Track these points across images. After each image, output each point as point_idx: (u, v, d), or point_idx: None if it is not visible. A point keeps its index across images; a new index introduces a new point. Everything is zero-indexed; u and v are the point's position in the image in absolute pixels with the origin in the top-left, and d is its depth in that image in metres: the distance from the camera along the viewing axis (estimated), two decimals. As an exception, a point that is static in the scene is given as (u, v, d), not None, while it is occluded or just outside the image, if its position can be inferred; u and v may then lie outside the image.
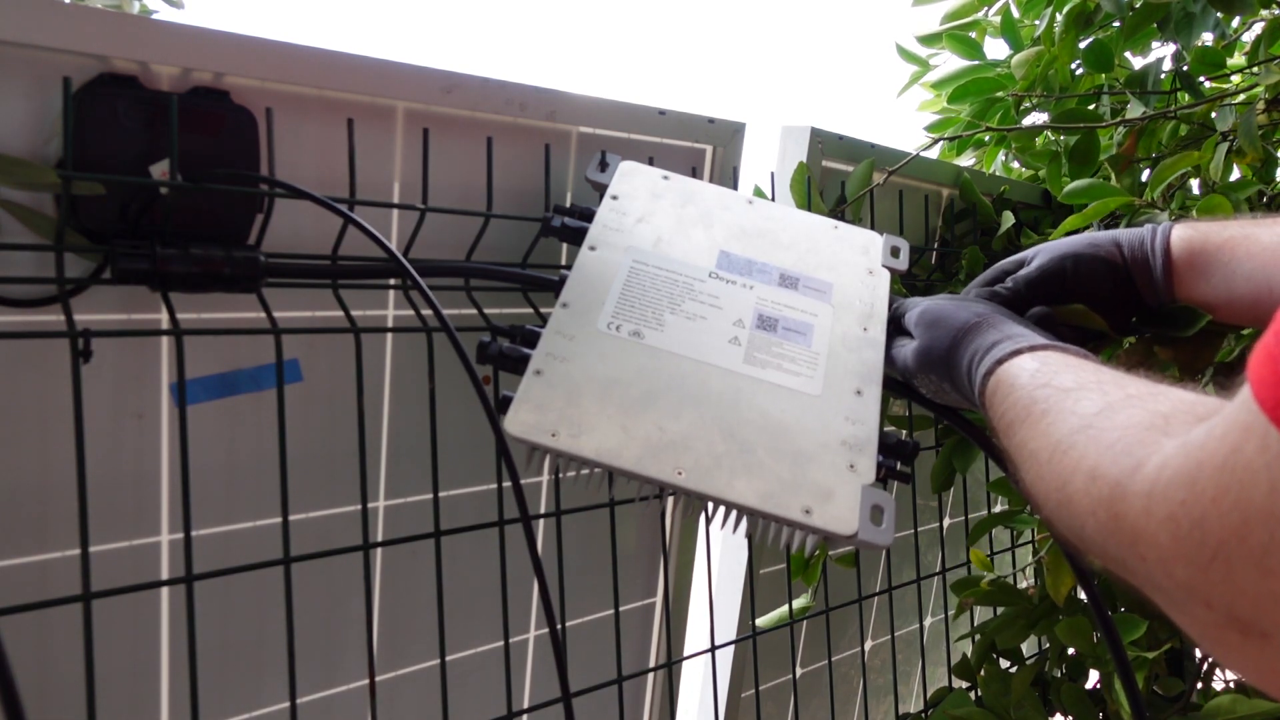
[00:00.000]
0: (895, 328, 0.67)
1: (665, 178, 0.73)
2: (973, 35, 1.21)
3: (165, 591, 0.66)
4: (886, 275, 0.70)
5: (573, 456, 0.54)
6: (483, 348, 0.58)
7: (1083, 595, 0.95)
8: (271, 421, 0.63)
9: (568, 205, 0.74)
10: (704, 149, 0.87)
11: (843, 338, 0.64)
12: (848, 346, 0.64)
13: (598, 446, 0.54)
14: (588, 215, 0.69)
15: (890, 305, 0.68)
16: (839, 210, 0.94)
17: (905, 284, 1.02)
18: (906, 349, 0.63)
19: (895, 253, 0.72)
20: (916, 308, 0.64)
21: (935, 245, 1.10)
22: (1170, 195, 1.05)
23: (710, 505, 0.56)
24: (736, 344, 0.61)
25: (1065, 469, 0.39)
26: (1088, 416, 0.40)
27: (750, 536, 0.59)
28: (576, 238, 0.68)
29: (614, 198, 0.70)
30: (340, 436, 0.72)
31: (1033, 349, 0.51)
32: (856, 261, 0.71)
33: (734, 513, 0.56)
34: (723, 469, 0.55)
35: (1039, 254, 0.65)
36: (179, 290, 0.57)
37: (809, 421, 0.58)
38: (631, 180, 0.72)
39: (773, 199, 0.92)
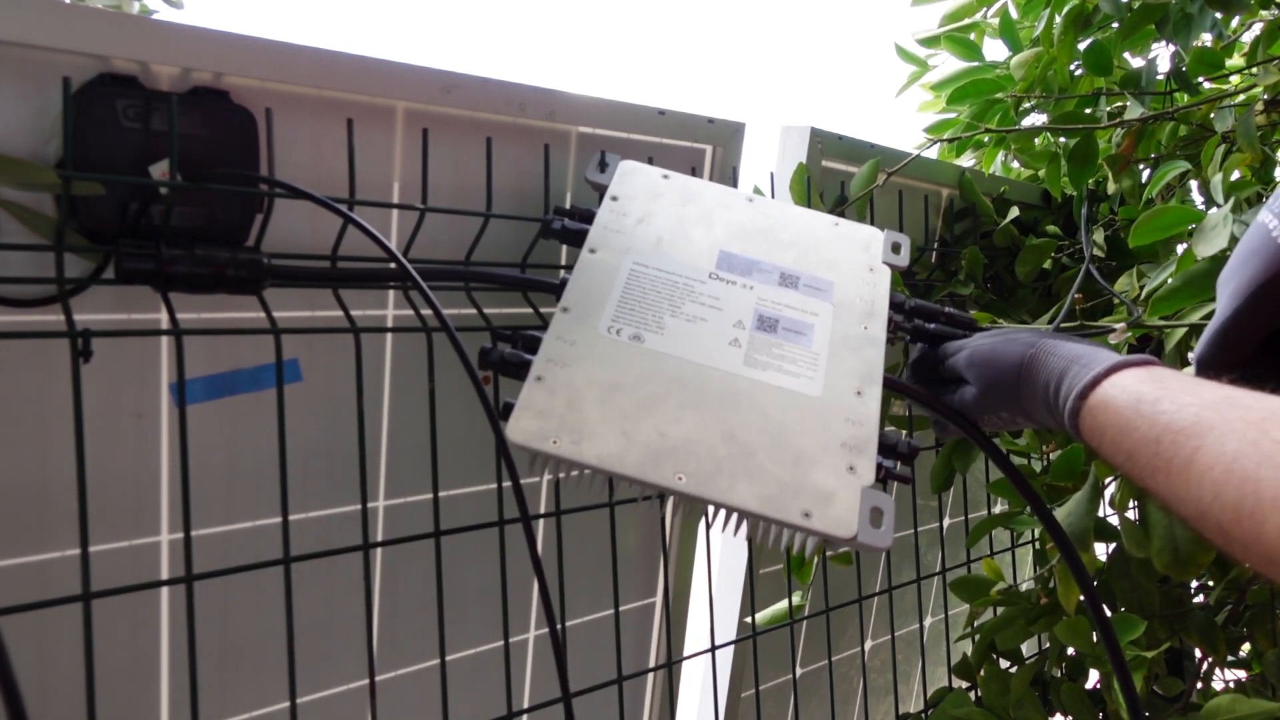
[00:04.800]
0: (940, 375, 0.67)
1: (665, 176, 0.73)
2: (971, 36, 1.21)
3: (165, 591, 0.66)
4: (887, 272, 0.70)
5: (575, 463, 0.54)
6: (484, 354, 0.58)
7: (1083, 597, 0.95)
8: (271, 421, 0.63)
9: (568, 207, 0.74)
10: (704, 149, 0.87)
11: (844, 337, 0.64)
12: (848, 346, 0.64)
13: (599, 453, 0.54)
14: (587, 217, 0.69)
15: (931, 358, 0.68)
16: (839, 211, 0.94)
17: (905, 282, 1.02)
18: (965, 392, 0.64)
19: (896, 249, 0.72)
20: (963, 351, 0.64)
21: (935, 245, 1.10)
22: (1169, 195, 1.05)
23: (711, 509, 0.56)
24: (737, 345, 0.61)
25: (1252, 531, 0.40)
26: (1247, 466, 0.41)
27: (750, 538, 0.59)
28: (577, 240, 0.68)
29: (614, 199, 0.70)
30: (340, 436, 0.72)
31: (1112, 371, 0.51)
32: (857, 259, 0.70)
33: (734, 516, 0.56)
34: (723, 473, 0.55)
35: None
36: (182, 291, 0.57)
37: (809, 423, 0.58)
38: (631, 180, 0.72)
39: (772, 199, 0.91)
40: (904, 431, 1.02)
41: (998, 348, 0.61)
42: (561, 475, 0.56)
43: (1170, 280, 0.78)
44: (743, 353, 0.61)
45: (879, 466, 0.58)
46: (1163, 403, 0.47)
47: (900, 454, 0.62)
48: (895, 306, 0.70)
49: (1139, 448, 0.47)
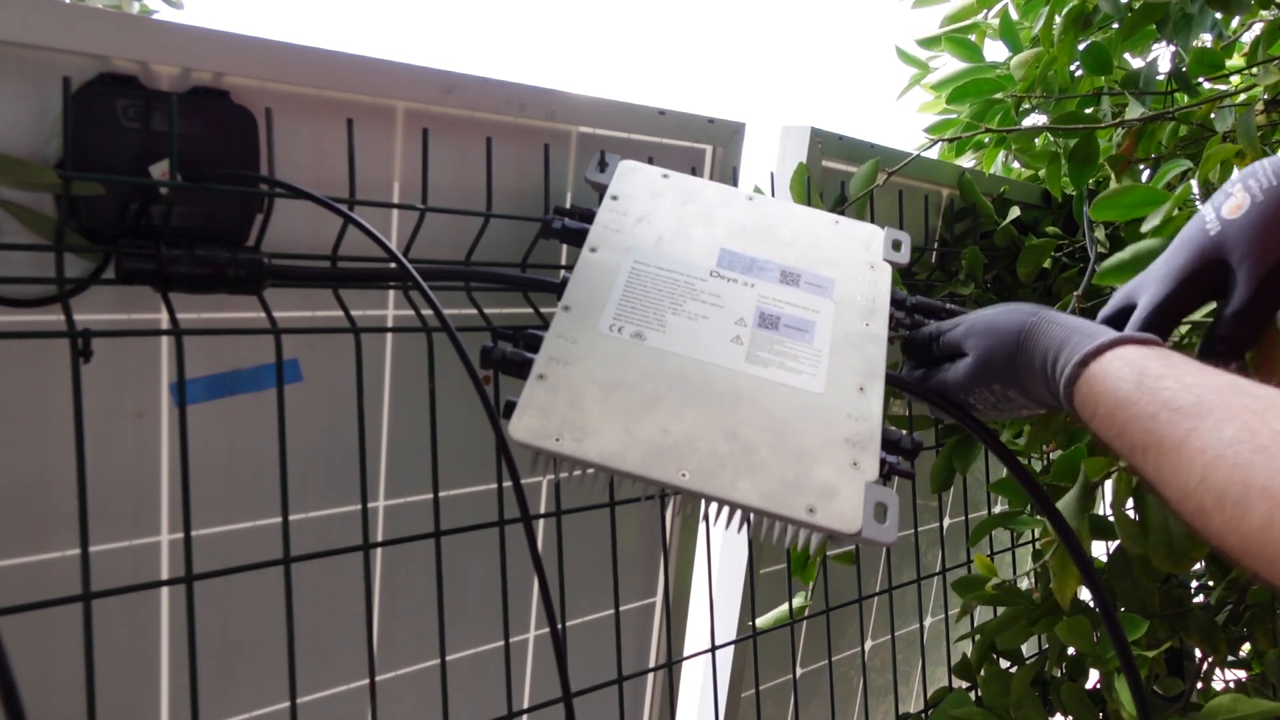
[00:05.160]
0: (934, 353, 0.66)
1: (665, 176, 0.73)
2: (972, 38, 1.21)
3: (165, 591, 0.66)
4: (888, 269, 0.70)
5: (577, 461, 0.54)
6: (486, 353, 0.58)
7: (1084, 595, 0.95)
8: (271, 421, 0.63)
9: (568, 206, 0.74)
10: (704, 149, 0.87)
11: (845, 334, 0.64)
12: (850, 343, 0.64)
13: (601, 450, 0.54)
14: (588, 216, 0.69)
15: (924, 336, 0.67)
16: (839, 210, 0.94)
17: (905, 282, 1.02)
18: (959, 366, 0.62)
19: (897, 246, 0.72)
20: (960, 325, 0.63)
21: (935, 245, 1.10)
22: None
23: (713, 506, 0.56)
24: (738, 343, 0.61)
25: (1254, 519, 0.39)
26: (1243, 453, 0.40)
27: (753, 536, 0.59)
28: (577, 239, 0.68)
29: (614, 198, 0.70)
30: (340, 436, 0.72)
31: (1117, 343, 0.50)
32: (858, 256, 0.71)
33: (737, 512, 0.56)
34: (726, 470, 0.55)
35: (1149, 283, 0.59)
36: (182, 291, 0.57)
37: (812, 419, 0.58)
38: (631, 179, 0.72)
39: (772, 198, 0.91)
40: (904, 430, 1.02)
41: (998, 317, 0.60)
42: (563, 474, 0.56)
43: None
44: (744, 350, 0.61)
45: (882, 462, 0.58)
46: (1166, 379, 0.46)
47: (903, 450, 0.62)
48: (897, 303, 0.70)
49: (1132, 423, 0.46)
